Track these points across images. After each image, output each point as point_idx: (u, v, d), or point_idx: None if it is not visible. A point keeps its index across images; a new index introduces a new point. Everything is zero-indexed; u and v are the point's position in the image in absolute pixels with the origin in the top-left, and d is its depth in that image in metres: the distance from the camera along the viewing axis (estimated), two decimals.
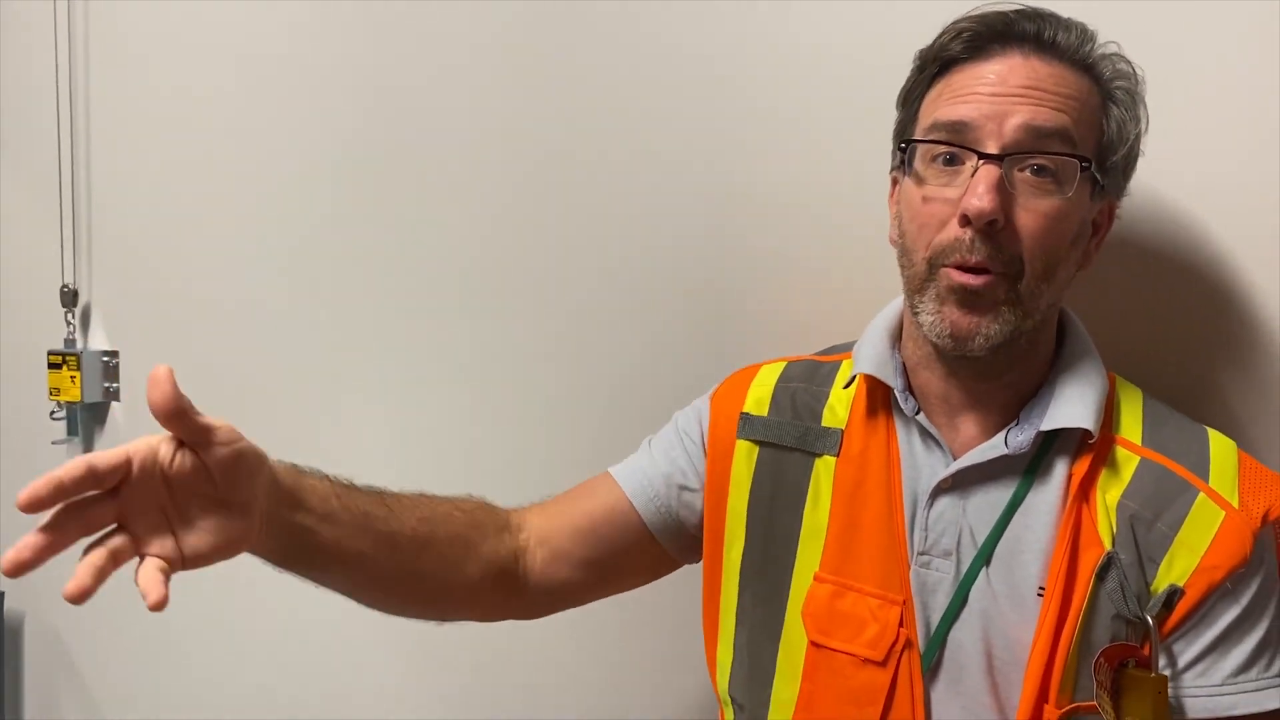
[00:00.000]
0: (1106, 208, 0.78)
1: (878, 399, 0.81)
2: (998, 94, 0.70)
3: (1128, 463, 0.74)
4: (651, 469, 0.88)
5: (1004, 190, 0.69)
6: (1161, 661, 0.72)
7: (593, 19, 1.11)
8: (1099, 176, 0.73)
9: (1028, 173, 0.70)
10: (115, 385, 1.51)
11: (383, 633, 1.11)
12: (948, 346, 0.73)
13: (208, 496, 0.63)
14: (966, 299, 0.71)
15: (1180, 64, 0.89)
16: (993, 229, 0.69)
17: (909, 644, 0.75)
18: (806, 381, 0.86)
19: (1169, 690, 0.71)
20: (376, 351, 1.26)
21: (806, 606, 0.79)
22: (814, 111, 1.02)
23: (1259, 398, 0.91)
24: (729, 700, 0.86)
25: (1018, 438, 0.75)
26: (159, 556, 0.60)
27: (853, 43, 0.99)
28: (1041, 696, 0.71)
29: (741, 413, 0.86)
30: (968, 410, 0.78)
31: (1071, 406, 0.74)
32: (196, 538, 0.63)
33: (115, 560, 0.59)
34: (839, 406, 0.82)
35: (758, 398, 0.86)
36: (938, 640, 0.75)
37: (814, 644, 0.79)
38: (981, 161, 0.70)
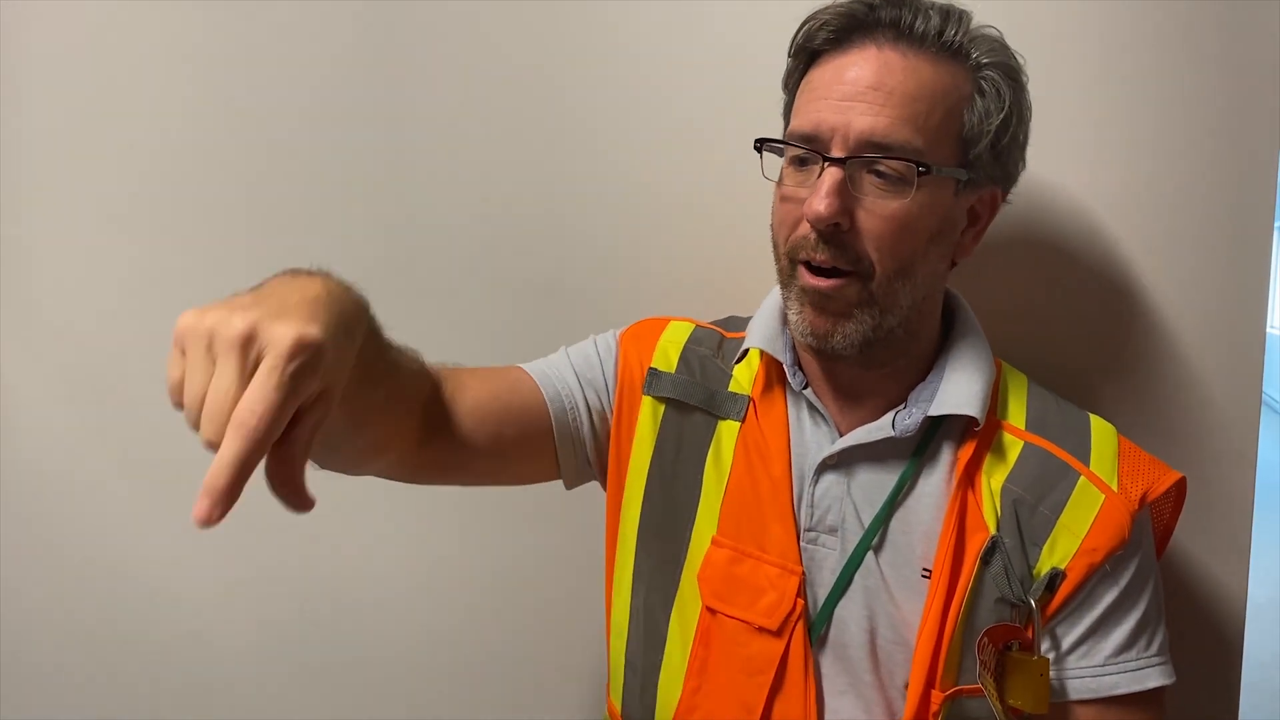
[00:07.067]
0: (987, 197, 0.75)
1: (772, 374, 0.80)
2: (846, 97, 0.69)
3: (1012, 447, 0.75)
4: (564, 368, 0.84)
5: (846, 193, 0.69)
6: (1045, 644, 0.72)
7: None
8: (964, 173, 0.71)
9: (874, 175, 0.69)
10: None
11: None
12: (812, 344, 0.74)
13: None
14: (819, 302, 0.72)
15: (1068, 64, 0.91)
16: (837, 230, 0.69)
17: (803, 615, 0.75)
18: (710, 349, 0.85)
19: (1052, 672, 0.72)
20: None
21: (703, 570, 0.78)
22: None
23: (1137, 384, 0.93)
24: (622, 664, 0.84)
25: (905, 421, 0.75)
26: None
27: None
28: (928, 681, 0.71)
29: (650, 368, 0.84)
30: (852, 395, 0.78)
31: (960, 392, 0.74)
32: None
33: None
34: (742, 378, 0.82)
35: (667, 355, 0.84)
36: (824, 616, 0.75)
37: (709, 609, 0.78)
38: (827, 164, 0.69)
